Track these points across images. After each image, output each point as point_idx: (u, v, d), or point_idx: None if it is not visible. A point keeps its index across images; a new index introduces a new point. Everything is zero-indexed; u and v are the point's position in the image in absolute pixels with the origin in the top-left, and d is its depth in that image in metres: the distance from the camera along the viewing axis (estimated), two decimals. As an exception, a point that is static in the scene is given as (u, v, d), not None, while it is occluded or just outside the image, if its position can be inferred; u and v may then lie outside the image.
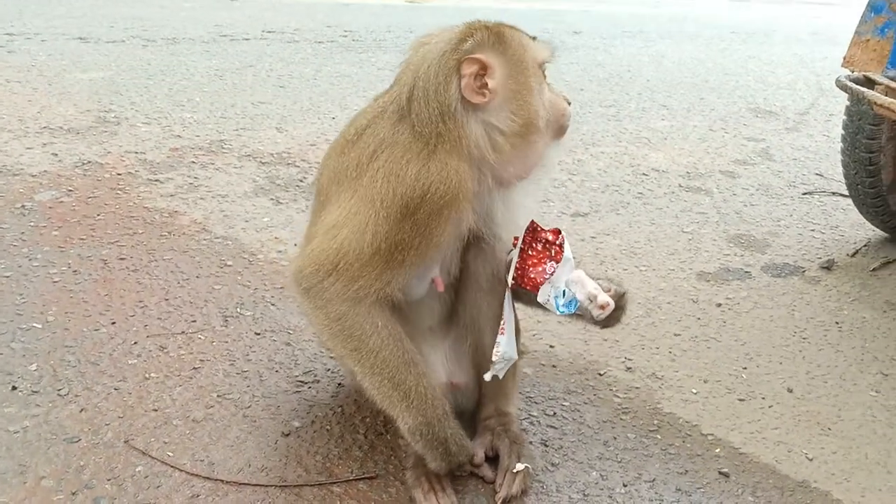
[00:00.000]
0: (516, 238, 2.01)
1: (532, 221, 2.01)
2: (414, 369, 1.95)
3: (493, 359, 1.99)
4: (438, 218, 1.86)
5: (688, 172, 4.64)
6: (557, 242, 1.97)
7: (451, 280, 2.14)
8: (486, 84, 1.85)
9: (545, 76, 1.98)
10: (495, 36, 1.89)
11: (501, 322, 2.01)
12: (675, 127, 5.55)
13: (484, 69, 1.85)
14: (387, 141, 1.91)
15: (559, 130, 2.03)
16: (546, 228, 2.00)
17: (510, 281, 2.01)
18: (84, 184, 3.61)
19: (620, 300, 2.06)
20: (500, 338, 2.00)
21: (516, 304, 2.15)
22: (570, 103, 2.04)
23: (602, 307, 1.93)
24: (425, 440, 1.97)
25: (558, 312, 1.96)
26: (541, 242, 1.98)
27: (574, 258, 2.01)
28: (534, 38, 2.00)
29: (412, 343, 2.11)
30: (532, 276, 1.97)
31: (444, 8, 9.39)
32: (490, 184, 1.95)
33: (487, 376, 2.04)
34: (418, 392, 1.94)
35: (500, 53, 1.89)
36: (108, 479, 1.95)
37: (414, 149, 1.87)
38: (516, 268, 1.99)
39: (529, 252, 1.99)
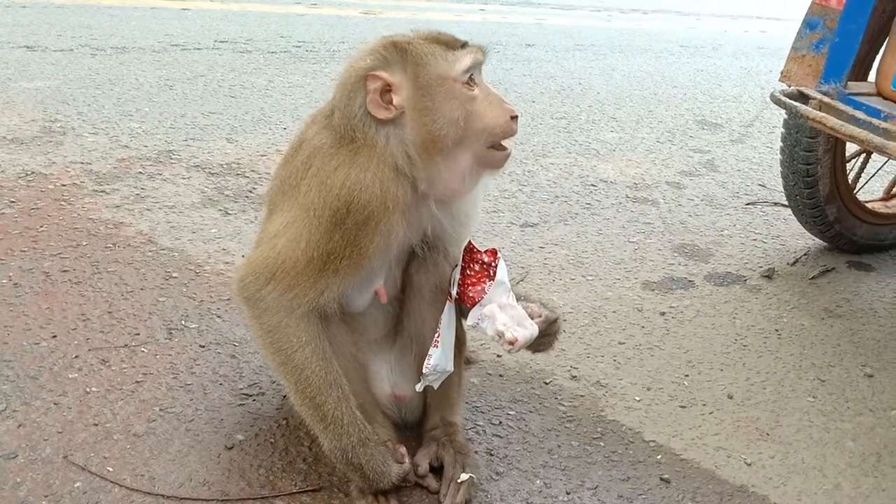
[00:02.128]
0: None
1: (469, 242, 2.03)
2: (335, 392, 1.96)
3: (424, 371, 2.01)
4: (366, 228, 1.87)
5: (635, 183, 4.73)
6: (493, 264, 1.99)
7: (395, 292, 2.16)
8: (392, 100, 1.86)
9: (473, 84, 1.91)
10: (400, 52, 1.89)
11: (436, 334, 2.03)
12: (624, 139, 5.66)
13: (389, 86, 1.86)
14: (317, 149, 1.94)
15: (494, 145, 1.94)
16: (482, 250, 2.02)
17: (454, 294, 2.03)
18: (27, 195, 3.54)
19: (551, 326, 2.09)
20: (432, 350, 2.01)
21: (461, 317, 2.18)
22: (514, 116, 1.92)
23: (511, 343, 1.92)
24: (341, 463, 2.00)
25: (489, 335, 1.97)
26: (478, 263, 2.00)
27: (524, 269, 2.03)
28: (462, 45, 1.93)
29: (360, 353, 2.14)
30: (471, 294, 1.99)
31: (399, 19, 9.41)
32: (422, 196, 1.95)
33: (419, 387, 2.07)
34: (335, 417, 1.95)
35: (403, 70, 1.88)
36: (46, 496, 1.92)
37: (338, 157, 1.89)
38: (458, 284, 2.01)
39: (468, 272, 2.01)
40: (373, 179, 1.85)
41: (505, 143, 1.94)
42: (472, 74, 1.90)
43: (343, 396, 1.97)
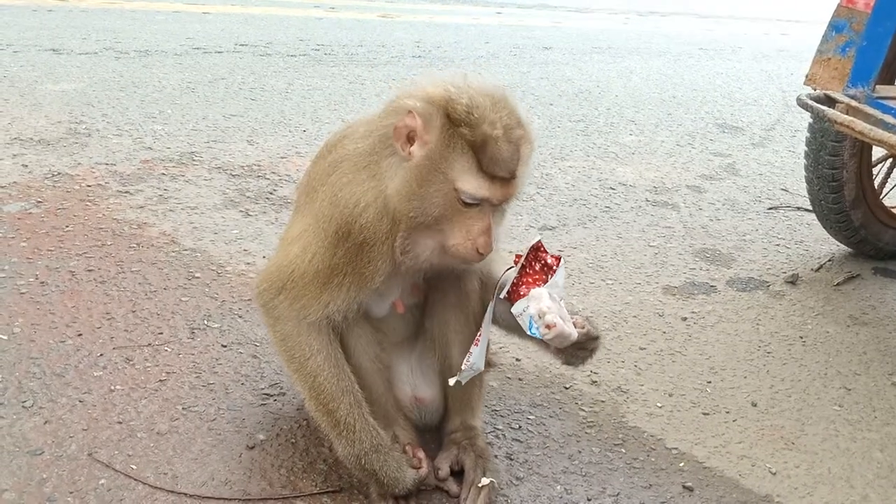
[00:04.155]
0: (518, 255, 2.01)
1: (538, 241, 2.00)
2: (347, 398, 1.97)
3: (463, 367, 1.99)
4: (362, 251, 1.86)
5: (655, 187, 4.70)
6: (555, 268, 1.97)
7: (416, 300, 2.15)
8: (413, 143, 1.80)
9: (471, 206, 1.81)
10: (443, 123, 1.78)
11: (478, 333, 2.01)
12: (643, 142, 5.63)
13: (414, 134, 1.79)
14: (348, 155, 1.92)
15: (455, 255, 1.86)
16: (549, 252, 2.00)
17: (503, 294, 2.01)
18: (54, 195, 3.57)
19: (590, 342, 2.04)
20: (473, 348, 1.99)
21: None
22: (482, 252, 1.83)
23: (548, 327, 1.87)
24: (355, 468, 2.01)
25: (529, 332, 1.93)
26: (540, 263, 1.98)
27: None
28: (495, 177, 1.78)
29: (384, 354, 2.14)
30: (522, 293, 1.96)
31: (416, 23, 9.44)
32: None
33: (451, 381, 2.03)
34: (347, 423, 1.96)
35: (437, 135, 1.78)
36: (71, 492, 1.94)
37: (355, 172, 1.87)
38: (513, 282, 1.99)
39: (528, 269, 1.99)
40: (368, 205, 1.84)
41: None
42: (477, 203, 1.81)
43: (355, 403, 1.98)
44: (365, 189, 1.85)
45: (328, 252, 1.88)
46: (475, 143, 1.76)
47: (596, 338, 2.06)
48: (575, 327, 1.96)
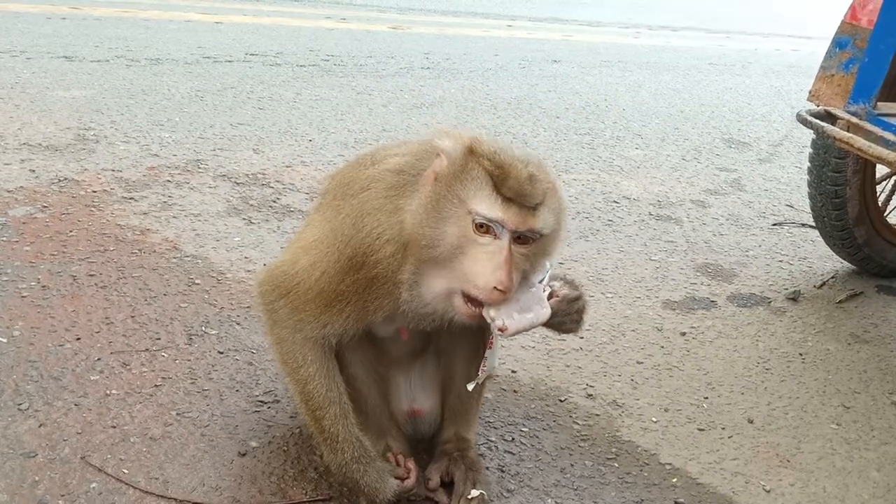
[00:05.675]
0: None
1: None
2: (333, 409, 1.98)
3: (479, 373, 1.98)
4: (371, 284, 1.86)
5: (659, 201, 4.70)
6: None
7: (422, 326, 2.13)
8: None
9: (489, 234, 1.73)
10: (464, 156, 1.77)
11: (490, 336, 1.95)
12: (649, 156, 5.63)
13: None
14: (383, 175, 1.88)
15: (468, 295, 1.78)
16: None
17: None
18: (59, 200, 3.61)
19: (572, 305, 1.98)
20: (488, 352, 1.99)
21: None
22: (503, 290, 1.72)
23: (501, 330, 1.78)
24: (338, 475, 2.04)
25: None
26: None
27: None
28: (510, 199, 1.72)
29: (381, 367, 2.15)
30: None
31: (426, 35, 9.47)
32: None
33: (470, 386, 1.99)
34: (332, 432, 1.98)
35: (456, 163, 1.76)
36: (62, 496, 1.95)
37: (385, 199, 1.85)
38: None
39: None
40: (388, 241, 1.82)
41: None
42: (492, 227, 1.73)
43: (341, 414, 1.99)
44: (390, 223, 1.82)
45: (337, 276, 1.87)
46: (493, 172, 1.73)
47: (577, 298, 1.98)
48: (552, 297, 1.91)
